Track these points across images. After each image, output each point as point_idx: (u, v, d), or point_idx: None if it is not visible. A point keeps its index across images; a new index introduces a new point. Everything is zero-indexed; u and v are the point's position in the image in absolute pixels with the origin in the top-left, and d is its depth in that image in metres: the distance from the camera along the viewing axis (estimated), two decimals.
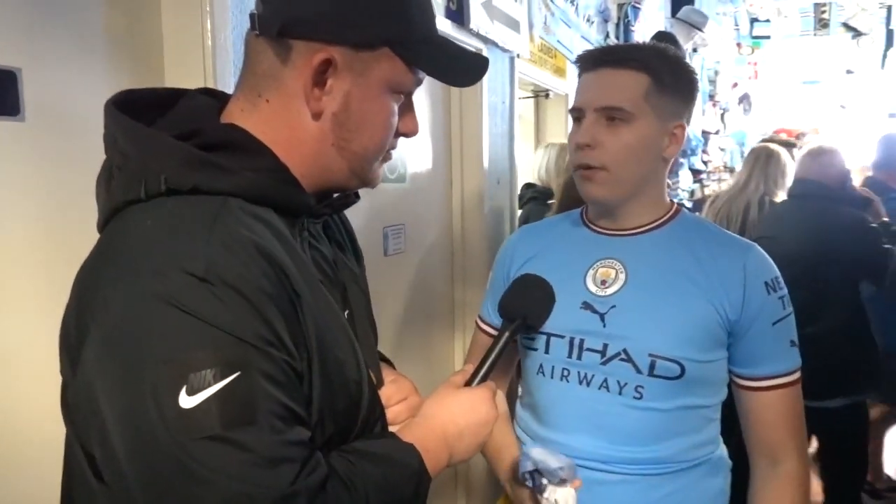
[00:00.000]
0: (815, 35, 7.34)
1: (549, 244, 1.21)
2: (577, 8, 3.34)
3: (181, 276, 0.60)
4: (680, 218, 1.15)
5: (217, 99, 0.80)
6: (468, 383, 0.87)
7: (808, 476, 1.13)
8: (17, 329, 1.04)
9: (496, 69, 2.47)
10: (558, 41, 3.12)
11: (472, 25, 2.17)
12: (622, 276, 1.09)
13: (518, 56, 2.62)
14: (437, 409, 0.82)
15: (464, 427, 0.81)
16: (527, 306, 0.96)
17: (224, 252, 0.63)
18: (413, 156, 2.16)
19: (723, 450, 1.16)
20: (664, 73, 1.06)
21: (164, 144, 0.68)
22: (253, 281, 0.63)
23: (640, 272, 1.09)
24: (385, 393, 0.86)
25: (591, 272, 1.12)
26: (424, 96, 2.22)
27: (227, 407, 0.59)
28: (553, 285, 1.13)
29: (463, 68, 0.81)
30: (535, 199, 2.77)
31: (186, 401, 0.59)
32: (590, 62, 1.10)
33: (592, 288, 1.10)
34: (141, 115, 0.71)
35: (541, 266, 1.18)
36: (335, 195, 0.83)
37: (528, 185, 2.87)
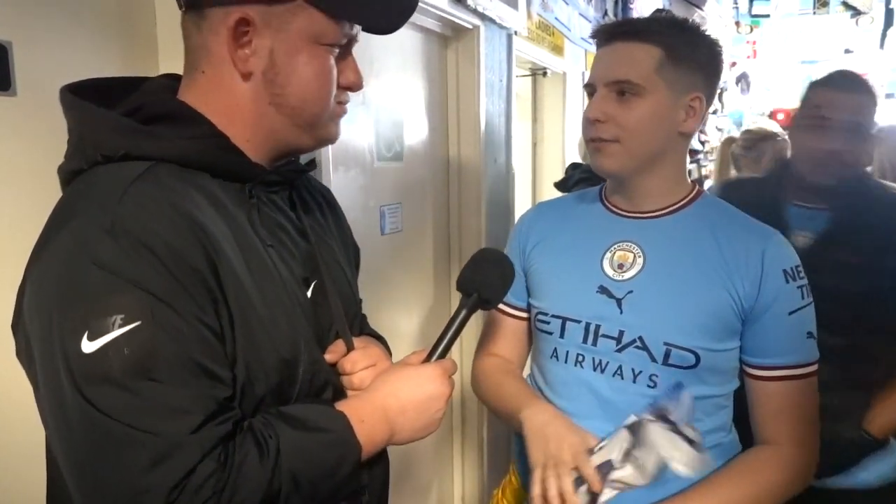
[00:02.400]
0: (814, 14, 7.29)
1: (565, 223, 1.19)
2: None
3: (92, 230, 0.64)
4: (701, 200, 1.12)
5: (178, 82, 0.81)
6: (426, 361, 0.85)
7: (805, 466, 1.06)
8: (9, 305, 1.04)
9: (493, 46, 2.44)
10: (556, 18, 3.08)
11: (470, 1, 2.14)
12: (640, 261, 1.07)
13: (516, 33, 2.59)
14: (380, 383, 0.81)
15: (406, 402, 0.80)
16: (482, 281, 0.92)
17: (134, 208, 0.65)
18: (410, 134, 2.15)
19: (734, 435, 1.14)
20: (679, 45, 1.03)
21: (98, 116, 0.72)
22: (161, 235, 0.65)
23: (658, 257, 1.06)
24: (351, 358, 0.85)
25: (608, 255, 1.09)
26: (420, 72, 2.20)
27: (125, 354, 0.61)
28: (569, 265, 1.13)
29: (381, 10, 0.80)
30: (586, 179, 2.43)
31: (87, 345, 0.61)
32: (603, 36, 1.08)
33: (609, 271, 1.08)
34: (106, 99, 0.75)
35: (556, 245, 1.17)
36: (283, 162, 0.83)
37: (574, 166, 2.49)
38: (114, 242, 0.63)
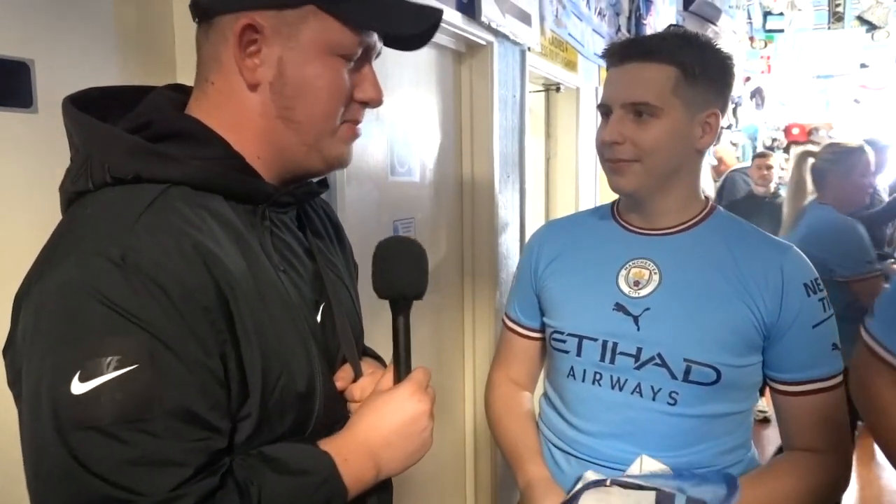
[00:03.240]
0: (829, 29, 7.27)
1: (577, 240, 1.18)
2: (588, 1, 3.31)
3: (99, 260, 0.60)
4: (715, 216, 1.12)
5: (184, 94, 0.78)
6: (395, 381, 0.80)
7: (839, 474, 1.06)
8: None
9: (507, 62, 2.46)
10: (569, 34, 3.10)
11: (483, 18, 2.16)
12: (656, 277, 1.06)
13: (529, 49, 2.61)
14: (358, 418, 0.76)
15: (389, 432, 0.75)
16: (398, 281, 0.82)
17: (146, 239, 0.62)
18: (423, 149, 2.16)
19: (755, 452, 1.13)
20: (693, 64, 1.02)
21: (108, 135, 0.68)
22: (173, 272, 0.61)
23: (674, 273, 1.06)
24: (360, 385, 0.82)
25: (623, 272, 1.09)
26: (434, 88, 2.22)
27: (118, 399, 0.57)
28: (584, 284, 1.12)
29: (404, 20, 0.74)
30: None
31: (77, 387, 0.57)
32: (616, 56, 1.08)
33: (625, 289, 1.07)
34: (109, 111, 0.72)
35: (570, 263, 1.16)
36: (297, 184, 0.79)
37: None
38: (122, 277, 0.59)
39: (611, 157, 1.07)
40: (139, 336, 0.59)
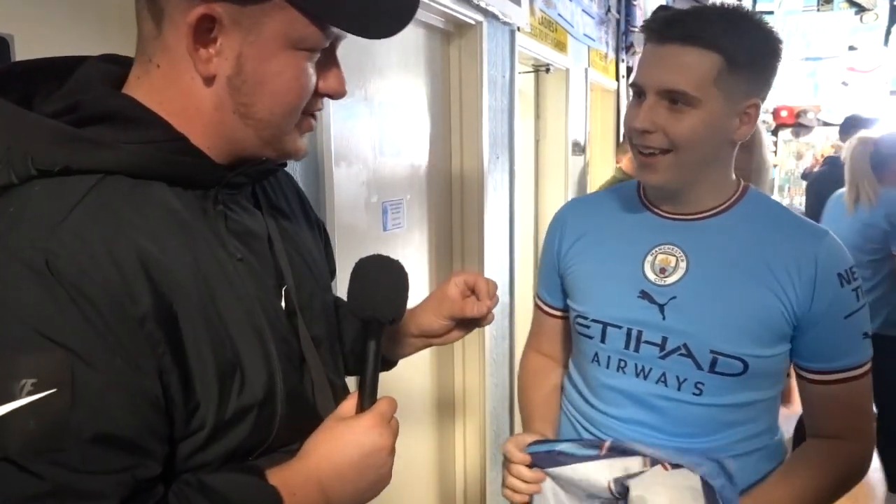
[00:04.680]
0: (818, 10, 7.27)
1: (602, 222, 1.14)
2: None
3: (18, 267, 0.53)
4: (748, 198, 1.07)
5: (120, 66, 0.70)
6: (358, 410, 0.72)
7: (864, 460, 1.07)
8: None
9: (496, 42, 2.44)
10: (559, 15, 3.08)
11: None
12: (683, 265, 1.03)
13: (518, 29, 2.59)
14: (311, 446, 0.70)
15: (342, 465, 0.68)
16: (374, 301, 0.77)
17: (73, 242, 0.55)
18: (412, 130, 2.14)
19: (781, 435, 1.12)
20: (739, 52, 0.94)
21: (28, 121, 0.61)
22: (101, 281, 0.55)
23: (702, 261, 1.02)
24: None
25: (649, 258, 1.05)
26: (422, 68, 2.20)
27: (31, 428, 0.51)
28: (608, 269, 1.09)
29: (374, 13, 0.67)
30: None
31: None
32: (655, 34, 0.99)
33: (651, 276, 1.04)
34: (36, 89, 0.65)
35: (594, 246, 1.13)
36: (252, 163, 0.72)
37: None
38: (41, 288, 0.53)
39: (641, 146, 1.01)
40: (58, 354, 0.53)
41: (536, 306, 1.28)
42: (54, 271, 0.54)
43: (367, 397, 0.73)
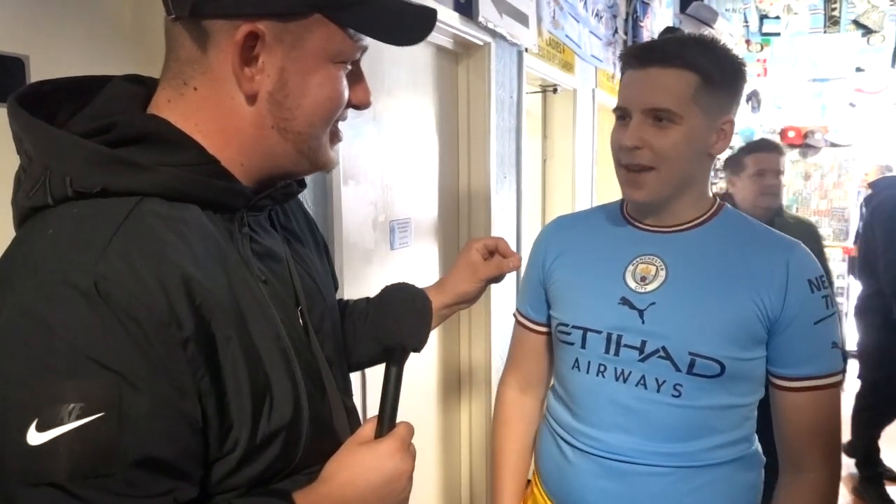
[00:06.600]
0: (825, 32, 7.30)
1: (585, 237, 1.20)
2: (585, 3, 3.32)
3: (65, 290, 0.53)
4: (723, 214, 1.14)
5: (145, 86, 0.72)
6: (377, 434, 0.73)
7: (833, 488, 1.09)
8: None
9: (504, 63, 2.46)
10: (567, 36, 3.10)
11: (481, 18, 2.16)
12: (662, 273, 1.08)
13: (526, 50, 2.61)
14: (335, 470, 0.70)
15: (364, 489, 0.69)
16: (402, 330, 0.81)
17: (121, 266, 0.55)
18: (420, 149, 2.15)
19: (757, 446, 1.15)
20: (713, 71, 1.03)
21: (67, 143, 0.61)
22: (149, 303, 0.55)
23: (681, 269, 1.08)
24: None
25: (630, 268, 1.10)
26: (431, 88, 2.21)
27: (77, 452, 0.51)
28: (590, 278, 1.14)
29: (405, 24, 0.71)
30: None
31: (34, 437, 0.50)
32: (635, 60, 1.08)
33: (632, 284, 1.09)
34: (59, 108, 0.66)
35: (577, 258, 1.18)
36: (278, 185, 0.74)
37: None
38: (90, 311, 0.53)
39: (629, 163, 1.08)
40: (106, 378, 0.52)
41: (518, 324, 1.31)
42: (103, 295, 0.53)
43: (387, 421, 0.74)
